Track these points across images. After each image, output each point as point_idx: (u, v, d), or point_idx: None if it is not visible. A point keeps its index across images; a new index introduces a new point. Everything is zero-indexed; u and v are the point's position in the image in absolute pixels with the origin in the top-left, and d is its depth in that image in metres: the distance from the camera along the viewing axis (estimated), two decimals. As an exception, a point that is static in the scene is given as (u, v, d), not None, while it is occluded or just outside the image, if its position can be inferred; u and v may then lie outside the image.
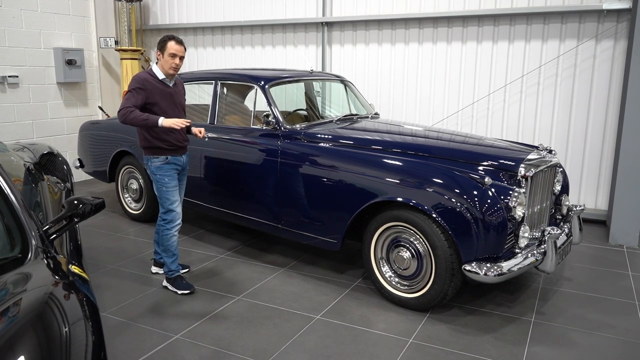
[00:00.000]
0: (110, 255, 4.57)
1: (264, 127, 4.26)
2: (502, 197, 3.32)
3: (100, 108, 7.29)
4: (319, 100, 5.32)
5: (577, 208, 4.05)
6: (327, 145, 4.04)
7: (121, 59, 7.54)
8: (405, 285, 3.62)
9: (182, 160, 3.88)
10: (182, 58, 3.70)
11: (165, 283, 3.92)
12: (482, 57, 5.81)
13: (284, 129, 4.22)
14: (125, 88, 7.45)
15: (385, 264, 3.70)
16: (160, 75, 3.70)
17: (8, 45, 6.45)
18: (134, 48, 7.54)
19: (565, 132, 5.56)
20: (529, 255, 3.40)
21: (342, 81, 5.23)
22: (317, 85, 5.28)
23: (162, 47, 3.65)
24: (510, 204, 3.31)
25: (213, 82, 4.77)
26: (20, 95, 6.66)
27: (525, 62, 5.61)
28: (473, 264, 3.21)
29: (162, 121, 3.51)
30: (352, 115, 4.87)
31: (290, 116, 4.83)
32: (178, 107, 3.82)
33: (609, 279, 4.17)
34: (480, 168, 3.59)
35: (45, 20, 6.85)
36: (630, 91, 4.78)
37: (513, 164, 3.59)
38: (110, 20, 7.73)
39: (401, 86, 6.29)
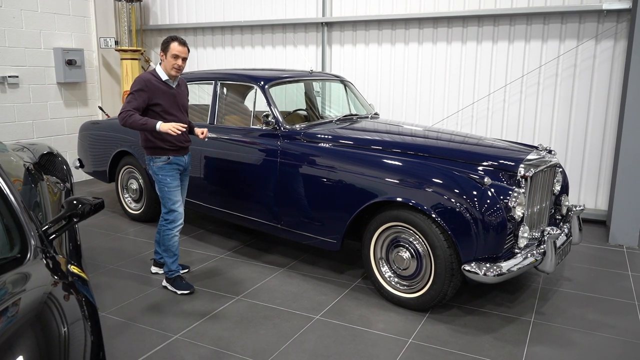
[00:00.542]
0: (110, 255, 4.57)
1: (264, 127, 4.26)
2: (501, 197, 3.32)
3: (100, 108, 7.30)
4: (318, 100, 5.32)
5: (577, 208, 4.05)
6: (327, 146, 4.04)
7: (121, 59, 7.54)
8: (404, 285, 3.62)
9: (184, 160, 3.88)
10: (185, 59, 3.69)
11: (164, 283, 3.92)
12: (482, 57, 5.81)
13: (283, 129, 4.22)
14: (126, 88, 7.47)
15: (384, 264, 3.70)
16: (164, 77, 3.70)
17: (8, 45, 6.45)
18: (134, 48, 7.54)
19: (565, 132, 5.56)
20: (529, 255, 3.40)
21: (342, 81, 5.23)
22: (316, 86, 5.29)
23: (165, 47, 3.65)
24: (509, 204, 3.31)
25: (213, 82, 4.77)
26: (21, 95, 6.66)
27: (525, 62, 5.61)
28: (472, 264, 3.21)
29: (160, 126, 3.51)
30: (351, 115, 4.87)
31: (290, 116, 4.83)
32: (181, 109, 3.82)
33: (609, 279, 4.16)
34: (480, 168, 3.59)
35: (45, 21, 6.86)
36: (630, 91, 4.78)
37: (513, 164, 3.59)
38: (110, 21, 7.73)
39: (401, 86, 6.29)
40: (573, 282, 4.08)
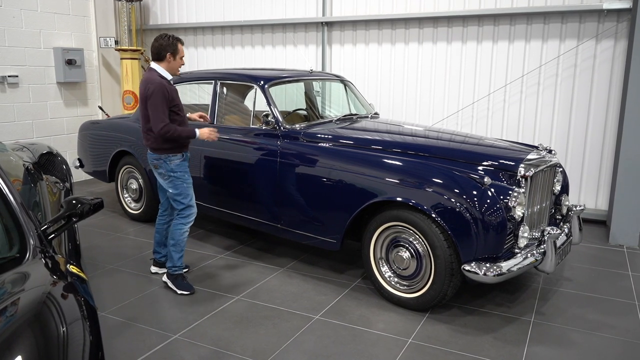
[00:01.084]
0: (110, 255, 4.57)
1: (264, 127, 4.26)
2: (501, 197, 3.32)
3: (100, 108, 7.29)
4: (318, 100, 5.32)
5: (577, 208, 4.04)
6: (327, 145, 4.04)
7: (121, 58, 7.54)
8: (404, 285, 3.61)
9: (188, 155, 3.98)
10: None
11: (165, 278, 3.92)
12: (482, 57, 5.81)
13: (283, 128, 4.22)
14: (126, 88, 7.47)
15: (384, 264, 3.70)
16: (168, 76, 3.77)
17: (8, 45, 6.45)
18: (134, 48, 7.54)
19: (566, 132, 5.56)
20: (529, 255, 3.40)
21: (342, 81, 5.23)
22: (316, 85, 5.28)
23: (174, 49, 3.73)
24: (509, 204, 3.30)
25: (213, 82, 4.77)
26: (20, 95, 6.66)
27: (526, 62, 5.61)
28: (472, 264, 3.21)
29: (200, 134, 3.78)
30: (351, 115, 4.87)
31: (290, 116, 4.83)
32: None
33: (609, 279, 4.16)
34: (480, 168, 3.58)
35: (45, 20, 6.85)
36: (631, 91, 4.77)
37: (513, 164, 3.59)
38: (110, 20, 7.73)
39: (401, 86, 6.29)
40: (573, 282, 4.08)
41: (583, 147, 5.50)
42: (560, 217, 4.11)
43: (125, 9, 7.57)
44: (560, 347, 3.14)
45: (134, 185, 5.43)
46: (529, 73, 5.60)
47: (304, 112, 5.02)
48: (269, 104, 4.31)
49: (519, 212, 3.34)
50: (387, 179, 3.54)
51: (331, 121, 4.62)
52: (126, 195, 5.61)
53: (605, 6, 5.07)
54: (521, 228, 3.39)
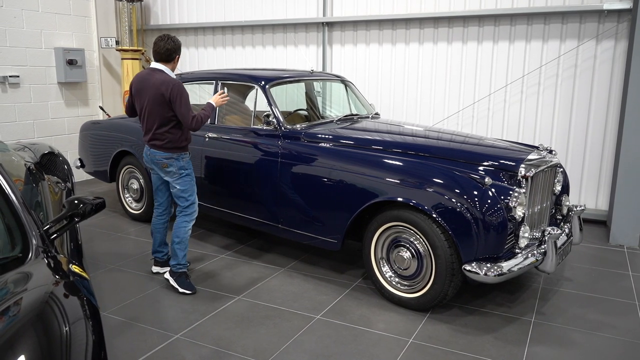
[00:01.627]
0: (111, 255, 4.57)
1: (265, 127, 4.27)
2: (502, 197, 3.32)
3: (101, 108, 7.29)
4: (319, 100, 5.32)
5: (578, 208, 4.04)
6: (328, 146, 4.04)
7: (122, 59, 7.54)
8: (405, 285, 3.62)
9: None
10: None
11: (167, 276, 3.93)
12: (483, 57, 5.81)
13: (284, 129, 4.22)
14: (126, 88, 7.47)
15: (385, 264, 3.70)
16: (174, 77, 3.85)
17: (9, 45, 6.46)
18: (135, 48, 7.55)
19: (566, 132, 5.56)
20: (529, 255, 3.40)
21: (343, 81, 5.23)
22: (317, 85, 5.29)
23: (179, 52, 3.88)
24: (510, 204, 3.31)
25: (213, 82, 4.78)
26: (21, 95, 6.66)
27: (526, 62, 5.61)
28: (473, 264, 3.21)
29: (215, 104, 3.90)
30: (352, 115, 4.87)
31: (291, 116, 4.83)
32: None
33: (609, 279, 4.16)
34: (481, 168, 3.59)
35: (46, 20, 6.86)
36: (631, 91, 4.78)
37: (513, 164, 3.59)
38: (111, 20, 7.73)
39: (402, 86, 6.29)
40: (574, 282, 4.09)
41: (583, 147, 5.50)
42: (560, 217, 4.11)
43: (126, 9, 7.58)
44: (561, 347, 3.14)
45: (135, 185, 5.44)
46: (529, 73, 5.61)
47: (305, 113, 5.02)
48: (269, 104, 4.31)
49: (519, 212, 3.34)
50: (387, 179, 3.55)
51: (332, 121, 4.62)
52: (127, 196, 5.62)
53: (606, 7, 5.07)
54: (522, 228, 3.39)
